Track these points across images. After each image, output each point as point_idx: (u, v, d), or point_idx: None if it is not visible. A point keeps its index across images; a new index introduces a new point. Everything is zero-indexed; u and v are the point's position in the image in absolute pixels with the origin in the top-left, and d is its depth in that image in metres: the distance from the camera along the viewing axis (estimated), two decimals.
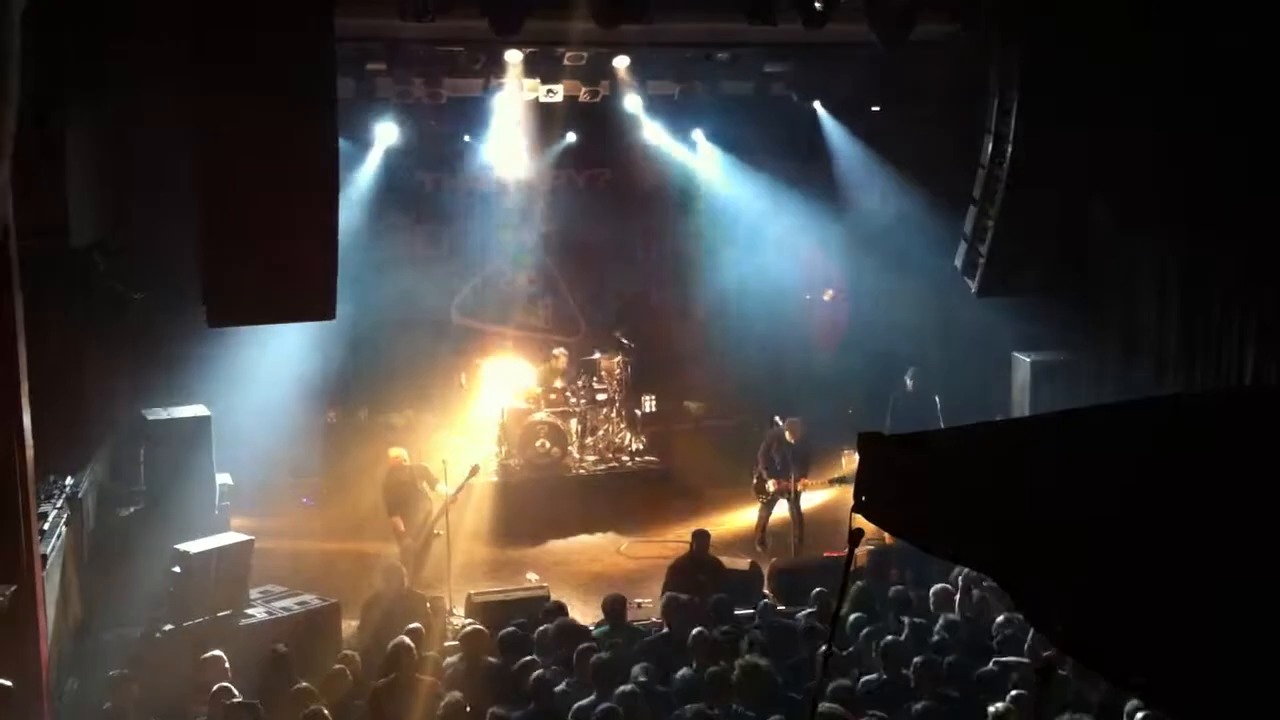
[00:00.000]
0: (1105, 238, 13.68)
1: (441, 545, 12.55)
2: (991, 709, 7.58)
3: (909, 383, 15.02)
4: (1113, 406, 3.91)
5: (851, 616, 9.83)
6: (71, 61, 10.55)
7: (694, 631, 9.20)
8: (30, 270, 8.60)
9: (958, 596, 10.29)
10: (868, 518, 3.74)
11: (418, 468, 13.01)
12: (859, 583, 10.61)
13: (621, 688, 7.98)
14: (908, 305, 16.17)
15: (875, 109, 16.96)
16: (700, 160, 18.06)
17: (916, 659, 8.48)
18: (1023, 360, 14.44)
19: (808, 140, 17.48)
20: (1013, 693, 7.80)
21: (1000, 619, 9.61)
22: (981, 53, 13.30)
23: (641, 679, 8.28)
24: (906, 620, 9.62)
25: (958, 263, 14.04)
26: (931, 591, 10.39)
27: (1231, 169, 11.50)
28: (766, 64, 16.07)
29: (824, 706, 7.49)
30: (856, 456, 3.81)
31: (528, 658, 8.88)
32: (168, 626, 10.22)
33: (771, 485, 14.05)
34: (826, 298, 18.63)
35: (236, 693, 8.29)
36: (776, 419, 14.29)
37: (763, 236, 17.68)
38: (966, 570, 10.21)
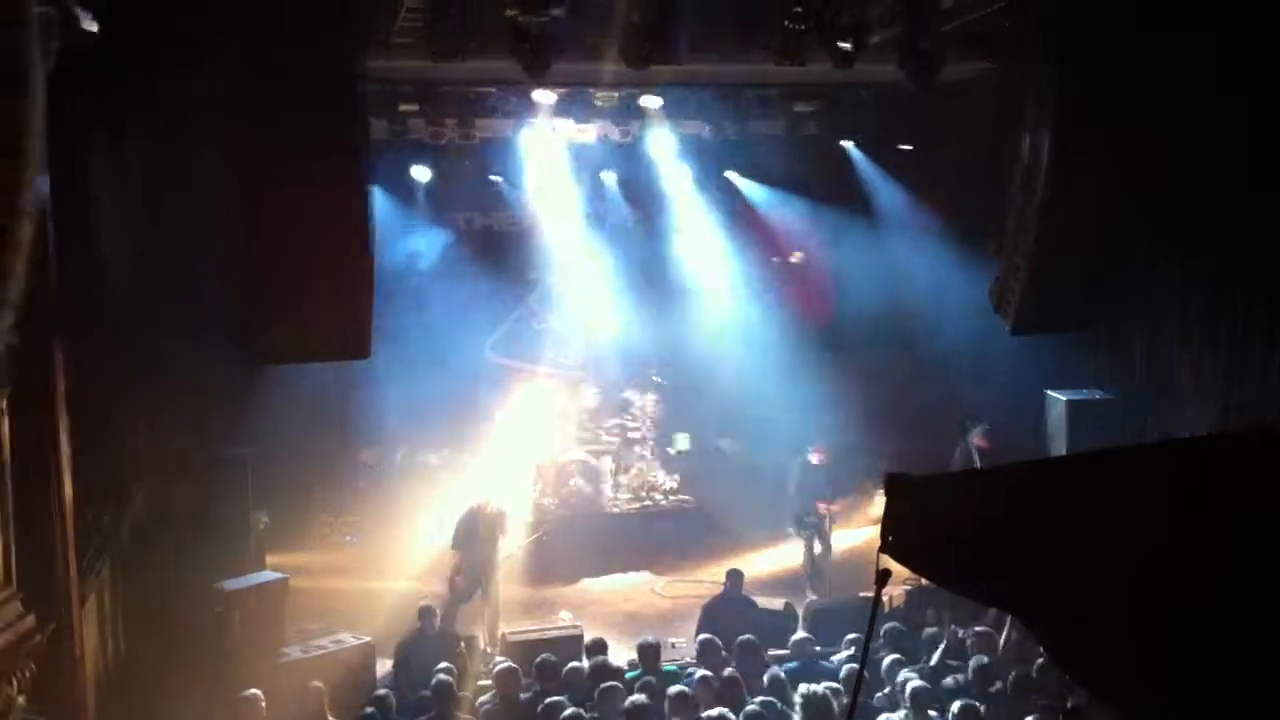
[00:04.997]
0: (1141, 271, 13.61)
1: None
2: None
3: (978, 442, 14.67)
4: (1144, 446, 3.89)
5: (888, 659, 9.78)
6: (108, 106, 10.74)
7: (726, 673, 9.19)
8: (70, 311, 8.74)
9: (1001, 638, 10.21)
10: (894, 558, 3.75)
11: (496, 514, 12.94)
12: (893, 623, 10.57)
13: None
14: (942, 343, 16.11)
15: (906, 147, 16.97)
16: (721, 198, 18.11)
17: (955, 705, 8.40)
18: (1057, 399, 14.34)
19: (838, 178, 17.50)
20: None
21: (1040, 661, 9.52)
22: (1012, 89, 13.31)
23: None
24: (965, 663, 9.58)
25: (992, 299, 14.00)
26: (973, 633, 10.34)
27: (1273, 200, 11.43)
28: (796, 103, 16.15)
29: None
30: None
31: (559, 697, 8.88)
32: (205, 666, 10.27)
33: (809, 520, 14.01)
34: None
35: None
36: (803, 456, 14.30)
37: (787, 273, 17.70)
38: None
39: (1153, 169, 12.35)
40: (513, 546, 12.95)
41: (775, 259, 18.47)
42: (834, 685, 9.04)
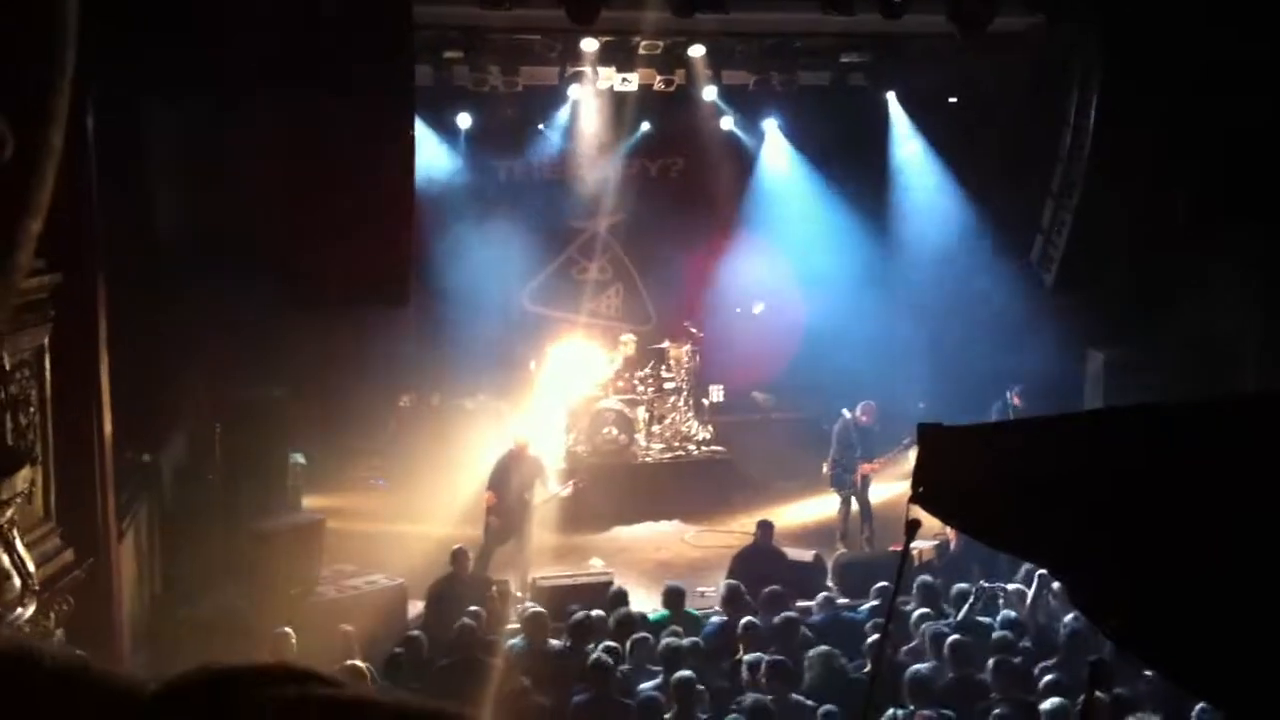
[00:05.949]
0: (1185, 233, 13.46)
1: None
2: (1044, 707, 7.54)
3: (1015, 400, 14.63)
4: (1180, 404, 3.86)
5: (916, 611, 9.81)
6: (155, 51, 10.78)
7: (743, 621, 9.26)
8: (114, 251, 8.83)
9: (1030, 593, 10.20)
10: (925, 509, 3.75)
11: (533, 459, 13.03)
12: (924, 577, 10.58)
13: (679, 673, 8.03)
14: (979, 298, 15.99)
15: (952, 100, 16.78)
16: (769, 152, 17.98)
17: (991, 660, 8.41)
18: (1096, 356, 14.25)
19: (880, 132, 17.35)
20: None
21: (1069, 617, 9.51)
22: (1062, 44, 13.13)
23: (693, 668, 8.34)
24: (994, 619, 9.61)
25: (1033, 256, 13.89)
26: (1001, 588, 10.35)
27: None
28: (843, 54, 15.97)
29: None
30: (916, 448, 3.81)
31: (590, 644, 8.96)
32: (239, 603, 10.42)
33: (849, 478, 13.99)
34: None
35: None
36: (844, 411, 14.25)
37: (831, 228, 17.54)
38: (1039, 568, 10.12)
39: (1202, 129, 12.16)
40: (550, 491, 13.02)
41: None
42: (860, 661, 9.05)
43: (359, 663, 8.37)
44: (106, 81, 8.55)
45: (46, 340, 7.54)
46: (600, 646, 8.76)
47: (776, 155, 18.06)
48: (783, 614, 9.56)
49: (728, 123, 17.55)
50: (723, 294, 17.68)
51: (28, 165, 0.97)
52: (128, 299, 9.39)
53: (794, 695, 8.08)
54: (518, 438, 13.04)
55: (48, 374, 7.53)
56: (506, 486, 12.62)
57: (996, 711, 7.83)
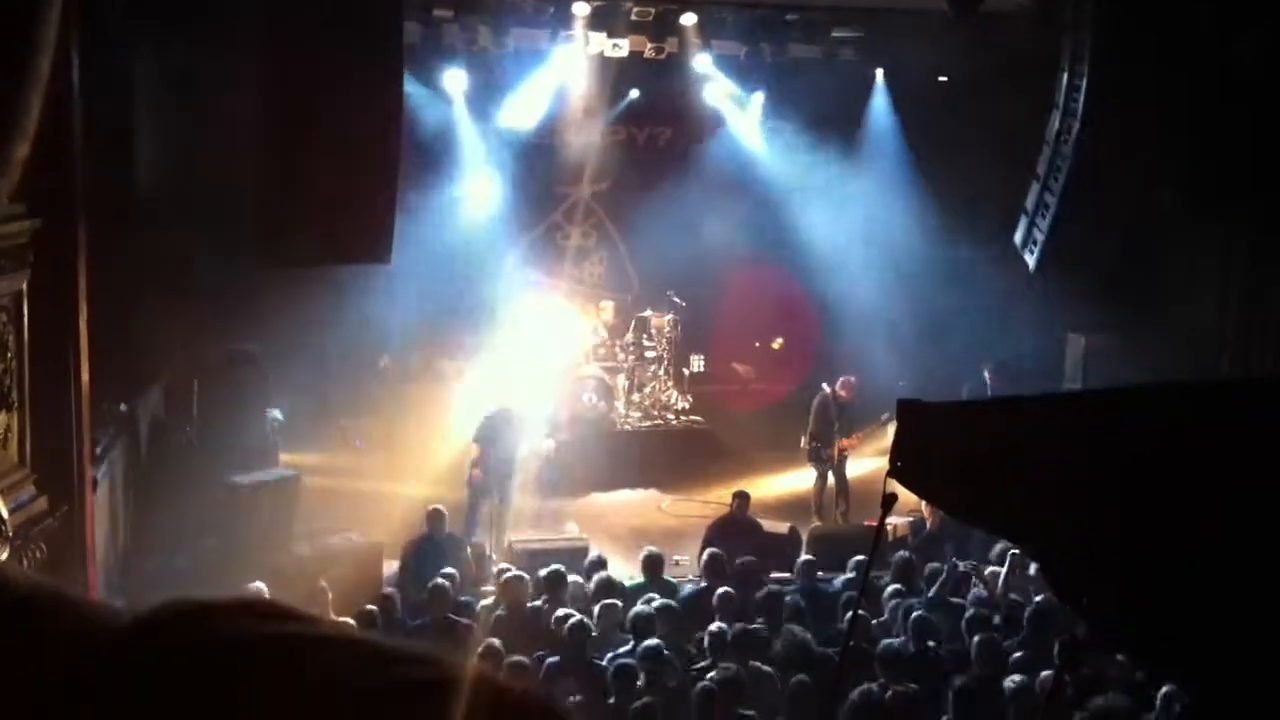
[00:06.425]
0: (1169, 220, 13.50)
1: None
2: (1008, 684, 7.60)
3: (987, 377, 14.78)
4: (1160, 386, 3.88)
5: (890, 587, 9.87)
6: (151, 6, 10.68)
7: (720, 591, 9.30)
8: (96, 202, 8.74)
9: (1003, 571, 10.26)
10: (902, 483, 3.77)
11: (521, 419, 13.09)
12: (901, 553, 10.65)
13: (646, 642, 8.06)
14: (963, 277, 16.01)
15: (942, 79, 16.75)
16: (757, 123, 17.90)
17: (977, 637, 8.45)
18: (1078, 340, 14.29)
19: (867, 108, 17.35)
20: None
21: (1038, 597, 9.55)
22: (1053, 25, 13.11)
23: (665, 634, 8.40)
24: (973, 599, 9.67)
25: (1016, 238, 13.90)
26: (972, 565, 10.40)
27: None
28: (835, 29, 15.92)
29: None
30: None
31: (565, 610, 8.97)
32: (212, 557, 10.41)
33: (826, 453, 14.05)
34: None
35: None
36: (824, 385, 14.29)
37: (816, 202, 17.51)
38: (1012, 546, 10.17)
39: (1191, 115, 12.17)
40: (534, 450, 13.06)
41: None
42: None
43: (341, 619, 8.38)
44: (94, 21, 8.45)
45: (25, 286, 7.48)
46: (576, 612, 8.78)
47: (764, 127, 17.97)
48: (766, 588, 9.65)
49: (717, 92, 17.46)
50: (707, 265, 17.62)
51: (13, 91, 0.95)
52: (107, 248, 9.31)
53: (764, 666, 8.12)
54: (505, 397, 13.08)
55: (25, 320, 7.48)
56: (492, 443, 12.66)
57: (959, 684, 7.87)
